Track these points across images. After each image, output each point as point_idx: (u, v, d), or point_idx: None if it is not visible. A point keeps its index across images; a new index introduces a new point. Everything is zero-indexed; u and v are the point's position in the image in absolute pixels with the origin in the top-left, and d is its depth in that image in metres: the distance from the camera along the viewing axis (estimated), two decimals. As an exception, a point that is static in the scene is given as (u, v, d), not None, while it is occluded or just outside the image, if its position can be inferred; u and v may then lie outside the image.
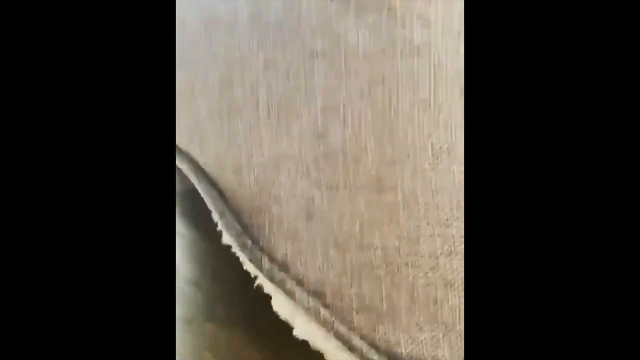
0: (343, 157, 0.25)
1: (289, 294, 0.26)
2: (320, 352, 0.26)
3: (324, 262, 0.26)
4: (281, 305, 0.27)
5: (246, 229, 0.28)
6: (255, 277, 0.28)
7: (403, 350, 0.25)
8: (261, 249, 0.27)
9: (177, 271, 0.42)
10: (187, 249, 0.42)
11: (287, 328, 0.27)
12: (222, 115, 0.28)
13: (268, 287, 0.27)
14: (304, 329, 0.26)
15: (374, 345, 0.25)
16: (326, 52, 0.24)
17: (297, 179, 0.26)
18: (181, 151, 0.31)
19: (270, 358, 0.30)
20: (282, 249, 0.26)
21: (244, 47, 0.26)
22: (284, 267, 0.26)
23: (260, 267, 0.27)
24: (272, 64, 0.26)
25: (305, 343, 0.26)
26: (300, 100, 0.25)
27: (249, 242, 0.27)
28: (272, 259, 0.27)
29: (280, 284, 0.26)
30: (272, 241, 0.27)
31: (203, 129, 0.29)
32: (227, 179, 0.28)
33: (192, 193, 0.32)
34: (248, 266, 0.28)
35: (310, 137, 0.25)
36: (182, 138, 0.31)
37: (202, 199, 0.30)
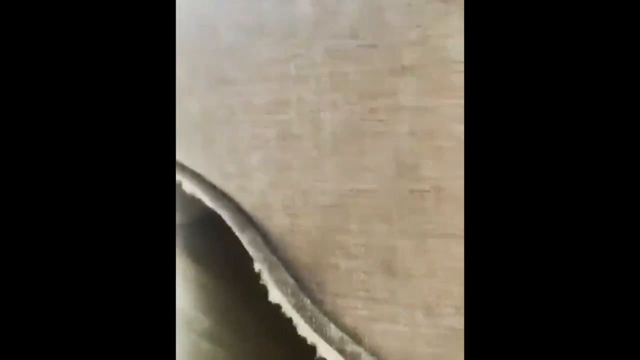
0: (435, 197, 0.19)
1: (364, 370, 0.20)
2: None
3: (411, 330, 0.20)
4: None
5: (303, 286, 0.22)
6: (314, 348, 0.22)
7: None
8: (325, 312, 0.21)
9: (189, 321, 0.38)
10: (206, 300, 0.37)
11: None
12: (272, 141, 0.23)
13: (332, 360, 0.21)
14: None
15: None
16: (415, 66, 0.19)
17: (372, 223, 0.21)
18: (215, 187, 0.25)
19: None
20: (353, 312, 0.21)
21: (303, 60, 0.21)
22: (356, 337, 0.21)
23: (324, 336, 0.21)
24: (341, 80, 0.21)
25: None
26: (379, 124, 0.20)
27: (308, 302, 0.22)
28: (339, 325, 0.21)
29: (351, 356, 0.20)
30: (340, 302, 0.21)
31: (247, 160, 0.24)
32: (277, 223, 0.23)
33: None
34: (305, 332, 0.22)
35: (392, 170, 0.20)
36: (217, 171, 0.25)
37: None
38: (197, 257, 0.38)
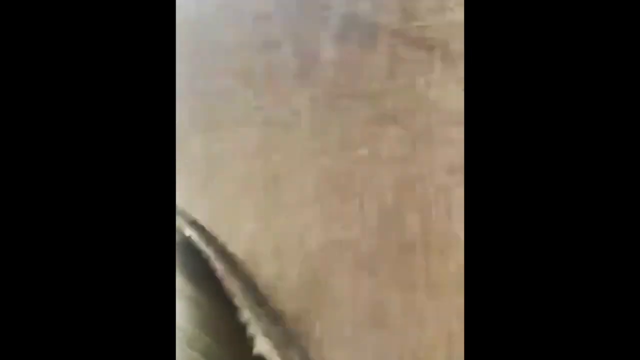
0: (425, 249, 0.19)
1: None
2: None
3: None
4: None
5: (290, 338, 0.21)
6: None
7: None
8: (313, 365, 0.21)
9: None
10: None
11: None
12: (259, 188, 0.23)
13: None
14: None
15: None
16: (399, 115, 0.19)
17: (360, 274, 0.20)
18: (204, 231, 0.25)
19: None
20: (343, 365, 0.20)
21: (286, 110, 0.21)
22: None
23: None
24: (324, 129, 0.21)
25: None
26: (364, 172, 0.20)
27: (295, 357, 0.21)
28: (328, 380, 0.20)
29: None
30: (327, 355, 0.21)
31: (234, 206, 0.24)
32: (264, 271, 0.23)
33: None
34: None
35: (377, 220, 0.20)
36: (207, 216, 0.25)
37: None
38: (191, 275, 0.38)
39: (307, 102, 0.21)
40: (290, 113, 0.21)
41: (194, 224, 0.26)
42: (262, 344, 0.22)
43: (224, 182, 0.24)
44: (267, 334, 0.22)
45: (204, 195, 0.25)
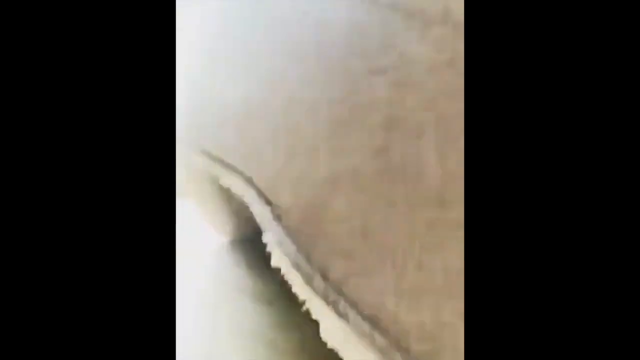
0: (403, 173, 0.24)
1: (342, 316, 0.24)
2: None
3: (381, 284, 0.24)
4: (332, 332, 0.25)
5: (300, 248, 0.27)
6: (304, 302, 0.27)
7: (467, 388, 0.22)
8: (315, 269, 0.26)
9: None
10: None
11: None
12: (280, 134, 0.29)
13: (317, 312, 0.26)
14: (356, 358, 0.24)
15: (434, 380, 0.22)
16: (389, 68, 0.25)
17: (354, 195, 0.25)
18: (236, 169, 0.31)
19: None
20: (337, 268, 0.25)
21: (305, 67, 0.27)
22: (338, 288, 0.25)
23: (313, 287, 0.25)
24: (333, 82, 0.26)
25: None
26: (361, 116, 0.25)
27: (303, 262, 0.26)
28: (325, 279, 0.25)
29: (333, 306, 0.25)
30: (327, 261, 0.26)
31: (260, 148, 0.30)
32: (282, 197, 0.28)
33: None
34: (299, 289, 0.26)
35: (370, 152, 0.25)
36: (237, 157, 0.31)
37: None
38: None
39: (319, 58, 0.27)
40: (309, 69, 0.27)
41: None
42: (276, 256, 0.28)
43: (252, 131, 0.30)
44: (281, 246, 0.27)
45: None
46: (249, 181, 0.31)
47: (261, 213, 0.29)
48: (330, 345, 0.25)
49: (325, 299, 0.25)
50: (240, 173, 0.30)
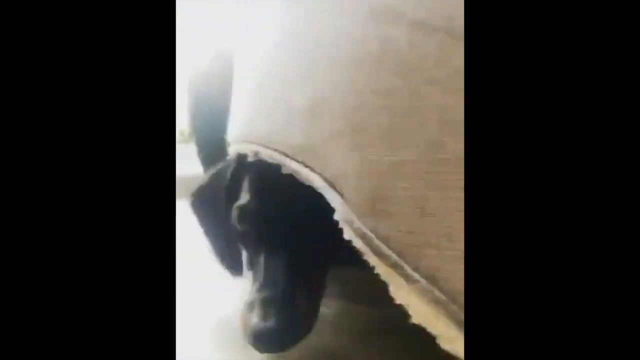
0: (456, 161, 0.30)
1: (408, 278, 0.31)
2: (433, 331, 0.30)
3: (437, 252, 0.30)
4: (398, 291, 0.31)
5: (366, 225, 0.33)
6: (374, 267, 0.33)
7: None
8: (381, 240, 0.32)
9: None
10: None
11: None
12: (346, 134, 0.35)
13: (385, 276, 0.32)
14: (419, 309, 0.30)
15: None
16: (442, 80, 0.31)
17: (414, 181, 0.31)
18: (307, 166, 0.37)
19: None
20: (400, 241, 0.31)
21: (371, 76, 0.33)
22: (401, 254, 0.31)
23: (380, 255, 0.32)
24: (395, 90, 0.32)
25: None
26: (420, 116, 0.31)
27: (370, 234, 0.32)
28: (390, 248, 0.31)
29: (399, 269, 0.31)
30: (391, 236, 0.32)
31: (329, 146, 0.36)
32: (349, 185, 0.34)
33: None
34: (368, 257, 0.33)
35: (428, 146, 0.31)
36: (310, 153, 0.37)
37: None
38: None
39: (384, 70, 0.33)
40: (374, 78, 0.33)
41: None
42: (348, 232, 0.34)
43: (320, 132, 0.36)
44: (351, 224, 0.33)
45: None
46: (315, 170, 0.37)
47: (332, 198, 0.35)
48: (397, 302, 0.32)
49: (392, 266, 0.31)
50: (309, 167, 0.36)
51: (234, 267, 0.56)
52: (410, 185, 0.31)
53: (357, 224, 0.33)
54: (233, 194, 0.49)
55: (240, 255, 0.55)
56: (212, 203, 0.55)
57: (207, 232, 0.57)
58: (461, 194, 0.30)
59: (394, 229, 0.32)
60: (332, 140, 0.36)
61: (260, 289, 0.42)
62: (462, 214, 0.30)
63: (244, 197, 0.47)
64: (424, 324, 0.31)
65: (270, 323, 0.39)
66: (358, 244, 0.33)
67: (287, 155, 0.40)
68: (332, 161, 0.36)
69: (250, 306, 0.42)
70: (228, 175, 0.51)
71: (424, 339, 0.31)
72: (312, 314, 0.46)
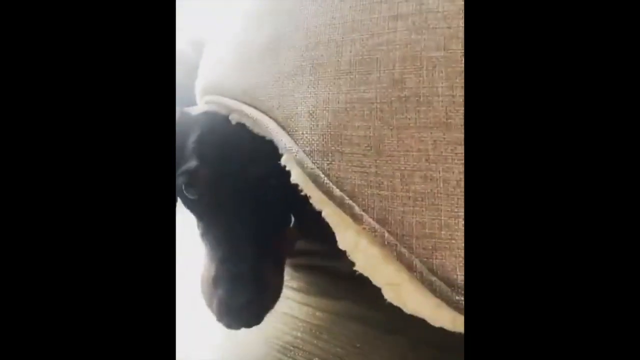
0: (416, 100, 0.29)
1: (357, 220, 0.29)
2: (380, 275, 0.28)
3: (390, 193, 0.29)
4: (347, 236, 0.29)
5: (317, 165, 0.31)
6: (320, 212, 0.31)
7: (458, 276, 0.27)
8: (332, 181, 0.30)
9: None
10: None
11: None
12: (305, 70, 0.33)
13: (334, 219, 0.30)
14: (367, 252, 0.28)
15: (431, 269, 0.27)
16: (408, 14, 0.29)
17: (370, 120, 0.30)
18: (263, 103, 0.35)
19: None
20: (352, 181, 0.30)
21: (331, 9, 0.31)
22: (352, 195, 0.29)
23: (330, 196, 0.30)
24: (358, 24, 0.31)
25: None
26: (381, 54, 0.30)
27: (321, 175, 0.30)
28: (342, 190, 0.29)
29: (349, 209, 0.29)
30: (343, 175, 0.30)
31: (285, 83, 0.33)
32: (302, 124, 0.32)
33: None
34: (316, 200, 0.31)
35: (387, 84, 0.29)
36: (263, 92, 0.35)
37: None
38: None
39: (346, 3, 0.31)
40: (335, 13, 0.32)
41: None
42: (295, 173, 0.32)
43: (278, 67, 0.34)
44: (300, 165, 0.31)
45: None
46: (268, 113, 0.34)
47: (280, 136, 0.33)
48: (342, 246, 0.30)
49: (342, 206, 0.29)
50: (267, 108, 0.34)
51: None
52: (366, 125, 0.30)
53: (309, 164, 0.31)
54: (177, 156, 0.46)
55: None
56: None
57: None
58: (418, 134, 0.28)
59: (346, 169, 0.30)
60: (288, 79, 0.33)
61: (224, 262, 0.39)
62: (420, 154, 0.28)
63: (191, 162, 0.43)
64: (369, 272, 0.29)
65: (240, 299, 0.38)
66: (307, 186, 0.31)
67: (239, 101, 0.37)
68: (287, 101, 0.34)
69: (215, 281, 0.39)
70: None
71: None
72: (278, 286, 0.43)
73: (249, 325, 0.40)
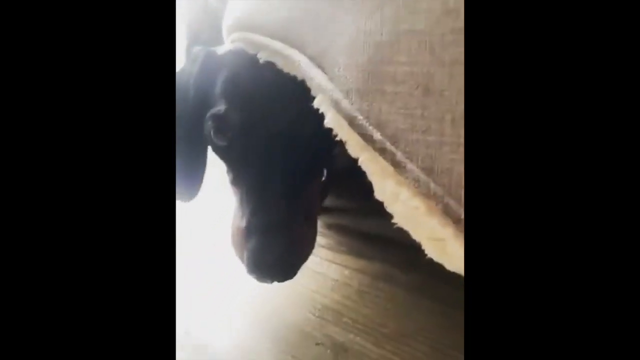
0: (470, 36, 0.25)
1: (398, 167, 0.25)
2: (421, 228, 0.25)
3: (438, 138, 0.25)
4: (384, 182, 0.26)
5: (355, 106, 0.27)
6: (357, 160, 0.28)
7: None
8: (371, 124, 0.27)
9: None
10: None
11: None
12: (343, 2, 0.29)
13: (371, 165, 0.27)
14: (408, 204, 0.25)
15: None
16: None
17: (418, 55, 0.26)
18: (294, 38, 0.31)
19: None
20: (395, 124, 0.26)
21: None
22: (395, 140, 0.26)
23: (370, 140, 0.26)
24: None
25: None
26: (433, -24, 0.26)
27: (359, 117, 0.27)
28: (384, 134, 0.26)
29: (390, 156, 0.26)
30: (384, 117, 0.27)
31: (319, 14, 0.30)
32: (338, 61, 0.29)
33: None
34: (353, 146, 0.27)
35: (439, 13, 0.25)
36: (295, 26, 0.31)
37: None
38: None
39: None
40: None
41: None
42: (330, 115, 0.28)
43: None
44: (335, 106, 0.28)
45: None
46: (301, 49, 0.31)
47: (313, 75, 0.29)
48: (379, 197, 0.27)
49: (382, 152, 0.26)
50: (289, 40, 0.31)
51: (190, 190, 0.50)
52: (413, 60, 0.26)
53: (346, 105, 0.28)
54: (202, 99, 0.43)
55: (201, 173, 0.49)
56: None
57: None
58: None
59: (389, 111, 0.26)
60: (323, 10, 0.30)
61: (255, 214, 0.38)
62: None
63: (220, 105, 0.40)
64: (409, 226, 0.26)
65: (272, 253, 0.36)
66: (343, 130, 0.28)
67: (269, 37, 0.34)
68: (321, 34, 0.30)
69: (247, 233, 0.38)
70: (193, 73, 0.44)
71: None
72: (311, 240, 0.41)
73: (281, 279, 0.38)
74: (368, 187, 0.28)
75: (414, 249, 0.26)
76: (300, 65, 0.30)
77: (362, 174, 0.28)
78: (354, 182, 0.28)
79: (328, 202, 0.48)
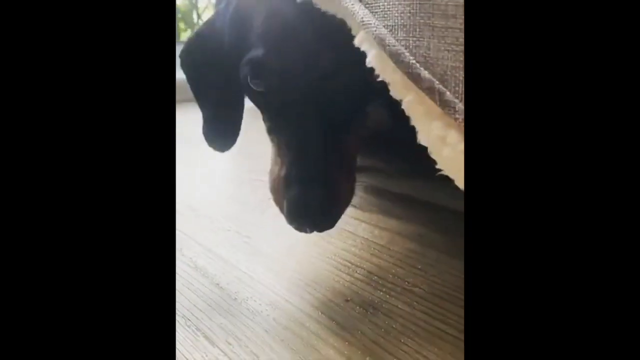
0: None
1: (447, 107, 0.23)
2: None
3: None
4: (430, 125, 0.24)
5: (401, 43, 0.25)
6: (400, 102, 0.26)
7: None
8: (419, 61, 0.24)
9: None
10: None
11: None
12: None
13: (416, 106, 0.25)
14: (456, 148, 0.23)
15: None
16: None
17: None
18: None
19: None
20: (444, 62, 0.24)
21: None
22: (444, 79, 0.24)
23: (416, 79, 0.24)
24: None
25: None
26: None
27: (405, 54, 0.25)
28: (432, 72, 0.24)
29: (439, 96, 0.24)
30: (433, 54, 0.24)
31: None
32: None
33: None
34: (397, 86, 0.26)
35: None
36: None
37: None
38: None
39: None
40: None
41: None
42: (372, 53, 0.26)
43: None
44: (379, 45, 0.26)
45: None
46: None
47: (354, 10, 0.27)
48: (423, 142, 0.25)
49: (430, 92, 0.24)
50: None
51: (226, 139, 0.48)
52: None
53: (391, 41, 0.25)
54: (236, 43, 0.41)
55: (238, 122, 0.48)
56: (206, 56, 0.46)
57: (198, 94, 0.49)
58: None
59: (438, 47, 0.24)
60: None
61: (294, 164, 0.37)
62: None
63: (257, 49, 0.38)
64: (454, 172, 0.24)
65: (311, 203, 0.35)
66: (387, 69, 0.26)
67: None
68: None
69: (287, 182, 0.37)
70: (227, 17, 0.42)
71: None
72: (349, 191, 0.40)
73: (321, 229, 0.37)
74: (409, 142, 0.26)
75: (447, 210, 0.24)
76: (340, 0, 0.28)
77: (401, 128, 0.27)
78: (392, 138, 0.27)
79: (359, 161, 0.47)
